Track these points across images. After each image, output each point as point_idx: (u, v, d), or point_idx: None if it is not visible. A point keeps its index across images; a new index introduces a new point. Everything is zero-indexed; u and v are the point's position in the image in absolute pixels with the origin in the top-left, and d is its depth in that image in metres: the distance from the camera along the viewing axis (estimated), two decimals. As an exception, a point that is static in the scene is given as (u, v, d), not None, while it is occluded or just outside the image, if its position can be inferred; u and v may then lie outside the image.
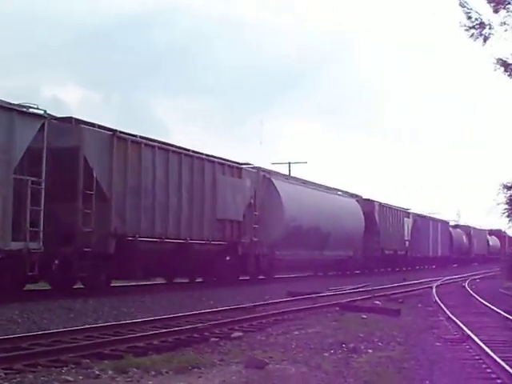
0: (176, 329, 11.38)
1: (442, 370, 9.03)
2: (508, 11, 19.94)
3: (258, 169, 27.69)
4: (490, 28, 20.39)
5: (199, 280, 25.47)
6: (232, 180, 24.93)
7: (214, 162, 23.82)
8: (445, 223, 62.79)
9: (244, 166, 26.24)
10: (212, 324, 12.20)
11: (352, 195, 39.85)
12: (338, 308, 16.73)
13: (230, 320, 12.88)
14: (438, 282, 28.84)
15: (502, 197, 26.40)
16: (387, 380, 8.40)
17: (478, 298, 20.66)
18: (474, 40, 20.80)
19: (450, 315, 15.10)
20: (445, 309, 16.66)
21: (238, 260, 25.12)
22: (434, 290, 24.12)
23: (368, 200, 40.85)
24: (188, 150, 22.30)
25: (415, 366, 9.30)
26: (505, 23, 20.17)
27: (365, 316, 15.03)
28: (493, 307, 17.15)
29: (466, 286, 27.84)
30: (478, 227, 76.69)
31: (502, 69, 20.93)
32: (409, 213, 48.78)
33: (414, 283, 28.66)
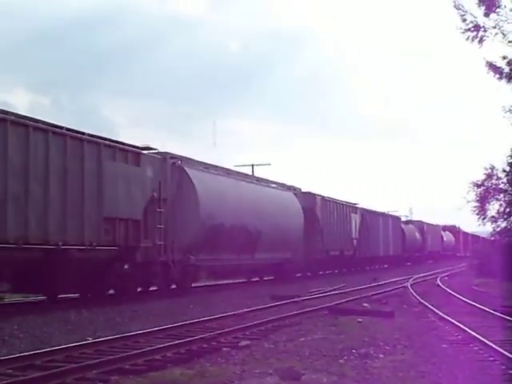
0: (186, 340, 11.27)
1: (463, 372, 9.18)
2: (498, 15, 20.30)
3: (166, 155, 22.45)
4: (484, 30, 20.70)
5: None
6: (126, 168, 19.69)
7: (99, 143, 18.60)
8: (396, 219, 58.98)
9: (145, 152, 21.35)
10: (218, 333, 12.14)
11: (289, 188, 33.93)
12: (326, 312, 16.79)
13: (233, 328, 12.82)
14: (409, 282, 29.13)
15: (473, 195, 27.00)
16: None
17: (459, 296, 21.02)
18: (471, 42, 21.14)
19: (443, 316, 15.34)
20: (434, 309, 16.91)
21: (136, 269, 20.26)
22: (409, 289, 24.42)
23: (308, 193, 35.48)
24: (61, 128, 17.53)
25: (434, 370, 9.44)
26: (495, 27, 20.53)
27: (360, 319, 15.15)
28: (481, 306, 17.46)
29: (440, 284, 28.29)
30: (431, 223, 72.75)
31: (491, 72, 21.31)
32: (356, 208, 43.88)
33: (385, 283, 29.00)
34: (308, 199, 34.69)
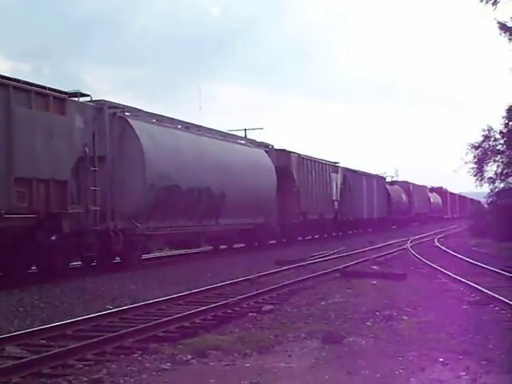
0: (210, 306, 11.30)
1: (492, 333, 9.29)
2: None
3: (103, 103, 18.79)
4: None
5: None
6: (47, 117, 16.01)
7: (7, 86, 14.88)
8: (381, 179, 54.83)
9: (74, 99, 17.75)
10: (240, 298, 12.20)
11: (260, 144, 30.10)
12: (338, 275, 16.90)
13: (252, 293, 12.89)
14: (407, 245, 29.33)
15: (471, 156, 27.22)
16: (450, 345, 8.54)
17: (461, 257, 21.26)
18: (485, 4, 20.96)
19: (454, 276, 15.54)
20: (442, 270, 17.10)
21: (65, 241, 16.43)
22: (410, 251, 24.63)
23: (282, 151, 31.74)
24: None
25: (462, 331, 9.51)
26: None
27: (374, 282, 15.27)
28: (488, 267, 17.68)
29: (439, 244, 28.57)
30: (417, 184, 68.62)
31: (503, 32, 21.19)
32: (337, 167, 40.11)
33: (383, 246, 29.23)
34: (282, 157, 31.15)
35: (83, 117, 17.64)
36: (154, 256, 23.25)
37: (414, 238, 35.73)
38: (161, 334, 9.33)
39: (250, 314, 11.13)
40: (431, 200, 72.63)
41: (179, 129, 23.22)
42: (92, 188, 17.56)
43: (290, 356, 7.81)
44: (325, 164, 37.40)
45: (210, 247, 27.87)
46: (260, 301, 12.58)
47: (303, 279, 15.57)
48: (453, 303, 12.30)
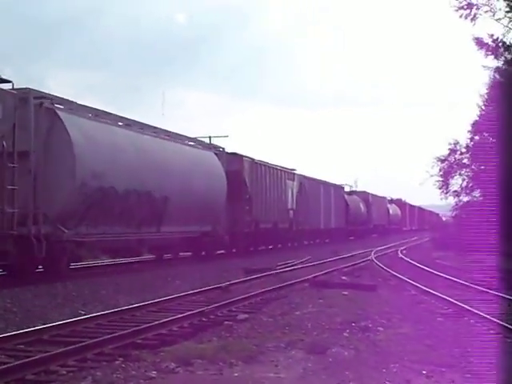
0: (186, 314, 11.25)
1: (472, 345, 9.39)
2: None
3: (28, 92, 16.88)
4: (477, 8, 20.95)
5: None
6: None
7: None
8: (339, 188, 53.36)
9: None
10: (215, 307, 12.15)
11: (210, 147, 28.17)
12: (307, 284, 16.96)
13: (228, 301, 12.86)
14: (371, 256, 29.52)
15: (437, 169, 27.66)
16: (431, 357, 8.61)
17: (427, 269, 21.52)
18: (464, 20, 21.38)
19: (424, 288, 15.73)
20: (411, 282, 17.28)
21: None
22: (375, 262, 24.82)
23: (234, 154, 29.69)
24: None
25: (441, 343, 9.60)
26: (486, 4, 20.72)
27: (345, 292, 15.34)
28: (454, 279, 17.91)
29: (403, 256, 28.85)
30: (377, 194, 67.48)
31: (479, 48, 21.61)
32: (293, 174, 38.21)
33: (348, 257, 29.43)
34: (234, 161, 28.95)
35: (0, 105, 15.67)
36: (119, 262, 23.07)
37: (376, 249, 35.70)
38: (139, 341, 9.25)
39: (226, 322, 11.11)
40: (390, 211, 72.25)
41: (118, 125, 21.16)
42: (9, 187, 15.56)
43: (276, 366, 7.79)
44: (280, 170, 35.64)
45: (153, 256, 26.06)
46: (233, 309, 12.57)
47: (274, 288, 15.56)
48: (426, 315, 12.41)
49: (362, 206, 59.25)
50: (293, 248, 37.28)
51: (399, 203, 78.32)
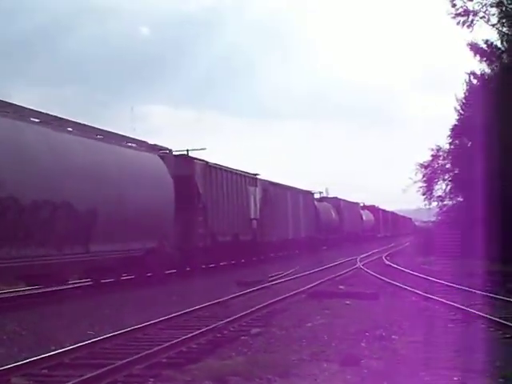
0: (201, 330, 11.22)
1: (494, 350, 9.52)
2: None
3: None
4: (474, 15, 21.24)
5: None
6: None
7: None
8: (308, 195, 49.05)
9: None
10: (226, 322, 12.15)
11: (152, 148, 23.83)
12: (304, 296, 17.04)
13: (237, 316, 12.87)
14: (358, 264, 29.62)
15: (420, 175, 28.00)
16: (456, 363, 8.71)
17: (418, 275, 21.75)
18: (462, 27, 21.64)
19: (424, 294, 15.90)
20: (408, 288, 17.46)
21: None
22: (365, 270, 24.97)
23: (183, 157, 25.95)
24: None
25: (463, 350, 9.69)
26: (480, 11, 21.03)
27: (348, 302, 15.42)
28: (450, 284, 18.12)
29: (392, 264, 29.05)
30: (348, 200, 63.69)
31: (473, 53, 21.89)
32: (256, 179, 34.36)
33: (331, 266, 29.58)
34: (183, 165, 25.00)
35: None
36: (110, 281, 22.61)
37: (349, 259, 34.85)
38: (164, 361, 9.21)
39: (242, 337, 11.12)
40: (364, 218, 69.49)
41: (29, 121, 17.10)
42: None
43: (316, 380, 7.84)
44: (240, 175, 31.75)
45: (89, 281, 21.44)
46: (243, 324, 12.56)
47: (275, 301, 15.56)
48: (436, 322, 12.55)
49: (333, 212, 55.89)
50: (259, 262, 33.67)
51: (372, 209, 76.05)
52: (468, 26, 21.62)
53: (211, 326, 11.67)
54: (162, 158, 23.53)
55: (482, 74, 29.94)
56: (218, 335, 11.32)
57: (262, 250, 34.67)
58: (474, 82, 30.50)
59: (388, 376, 8.04)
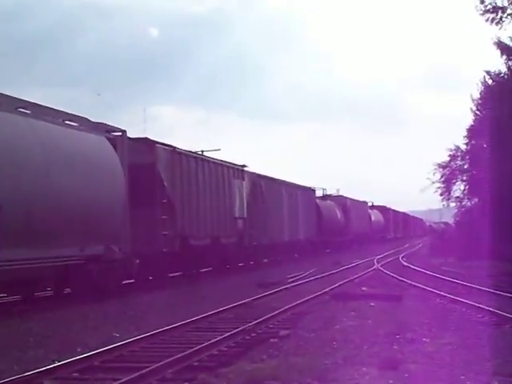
0: (230, 332, 11.05)
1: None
2: None
3: None
4: (503, 12, 21.00)
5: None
6: None
7: None
8: (309, 191, 43.88)
9: None
10: (253, 324, 11.97)
11: (97, 127, 18.52)
12: (328, 297, 16.87)
13: (264, 318, 12.68)
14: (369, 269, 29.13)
15: (438, 176, 27.80)
16: (493, 367, 8.52)
17: (439, 276, 21.57)
18: (490, 24, 21.41)
19: (449, 296, 15.75)
20: (431, 290, 17.30)
21: None
22: (383, 271, 24.78)
23: (143, 141, 21.13)
24: None
25: (499, 353, 9.45)
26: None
27: (372, 304, 15.24)
28: (473, 285, 17.95)
29: (409, 264, 28.77)
30: (356, 199, 59.20)
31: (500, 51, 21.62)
32: (243, 171, 29.23)
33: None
34: (141, 150, 20.41)
35: None
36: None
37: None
38: (196, 364, 9.04)
39: (272, 339, 10.93)
40: (372, 218, 64.57)
41: None
42: None
43: (359, 386, 7.66)
44: (222, 165, 26.60)
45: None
46: (270, 326, 12.38)
47: (299, 303, 15.38)
48: (464, 324, 12.33)
49: (338, 212, 50.56)
50: (247, 269, 28.97)
51: (382, 209, 71.71)
52: (497, 23, 21.42)
53: (241, 328, 11.49)
54: (112, 141, 18.77)
55: (498, 74, 29.72)
56: (247, 337, 11.12)
57: (250, 255, 29.83)
58: (490, 82, 30.36)
59: (428, 380, 7.87)
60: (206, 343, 10.00)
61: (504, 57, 22.18)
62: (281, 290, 19.26)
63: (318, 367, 8.58)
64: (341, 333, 11.56)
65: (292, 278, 23.77)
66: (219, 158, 26.81)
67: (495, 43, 22.59)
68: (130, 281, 20.17)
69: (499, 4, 21.24)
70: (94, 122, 18.42)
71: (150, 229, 20.21)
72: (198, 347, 9.70)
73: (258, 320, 12.40)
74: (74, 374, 8.57)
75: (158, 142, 21.55)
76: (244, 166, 29.38)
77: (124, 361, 9.37)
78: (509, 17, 21.11)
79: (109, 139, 18.65)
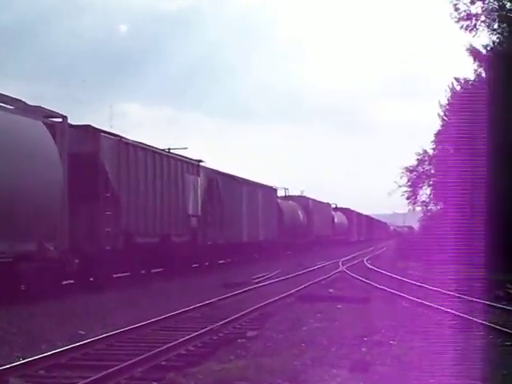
0: (198, 332, 10.98)
1: (501, 359, 9.40)
2: (484, 3, 20.79)
3: None
4: (476, 19, 21.24)
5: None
6: None
7: None
8: (270, 190, 42.27)
9: None
10: (220, 324, 11.92)
11: (35, 110, 17.21)
12: (294, 298, 16.90)
13: (232, 318, 12.63)
14: (334, 271, 29.26)
15: (405, 179, 28.01)
16: (463, 371, 8.57)
17: (406, 280, 21.76)
18: (465, 31, 21.65)
19: (416, 300, 15.86)
20: (397, 293, 17.42)
21: None
22: (349, 274, 24.88)
23: (84, 128, 19.54)
24: None
25: (461, 356, 9.51)
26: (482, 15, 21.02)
27: (339, 306, 15.28)
28: (439, 289, 18.13)
29: (374, 267, 28.89)
30: (319, 200, 57.93)
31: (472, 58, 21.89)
32: (198, 167, 27.79)
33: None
34: (83, 138, 19.09)
35: None
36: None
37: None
38: (163, 363, 8.97)
39: (239, 340, 10.89)
40: (335, 220, 64.02)
41: None
42: None
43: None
44: (175, 159, 25.38)
45: None
46: (237, 326, 12.35)
47: (266, 304, 15.34)
48: (433, 328, 12.38)
49: (300, 213, 49.53)
50: (208, 270, 27.96)
51: (346, 211, 71.54)
52: (471, 31, 21.67)
53: (208, 328, 11.42)
54: (50, 127, 17.40)
55: (466, 80, 30.13)
56: (215, 337, 11.07)
57: (204, 256, 28.36)
58: (458, 88, 30.74)
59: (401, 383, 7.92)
60: (174, 342, 9.93)
61: (476, 63, 22.51)
62: (247, 290, 19.24)
63: (288, 368, 8.56)
64: (308, 334, 11.59)
65: (257, 278, 23.70)
66: (188, 156, 26.61)
67: (468, 50, 22.93)
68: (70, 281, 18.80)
69: (473, 11, 21.54)
70: (31, 106, 17.12)
71: (91, 225, 18.99)
72: (165, 346, 9.63)
73: (225, 320, 12.36)
74: (41, 372, 8.44)
75: (102, 131, 20.14)
76: (200, 161, 28.20)
77: (91, 359, 9.25)
78: (482, 24, 21.43)
79: (47, 125, 17.24)
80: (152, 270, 24.18)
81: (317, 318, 13.60)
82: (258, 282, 22.35)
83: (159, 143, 25.10)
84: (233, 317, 12.92)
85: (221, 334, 11.37)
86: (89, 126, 19.77)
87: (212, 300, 15.77)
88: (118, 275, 21.29)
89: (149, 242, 22.20)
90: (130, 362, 8.49)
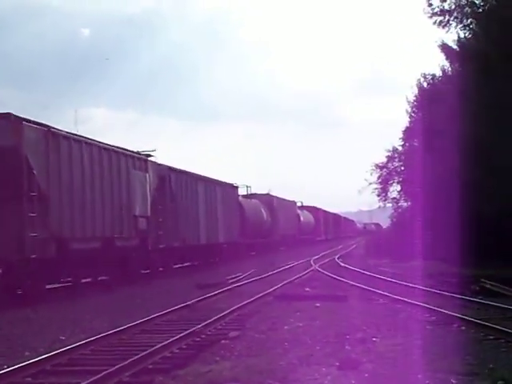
0: (181, 334, 10.96)
1: (482, 352, 9.55)
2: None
3: None
4: (450, 15, 21.42)
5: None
6: None
7: None
8: (230, 188, 39.61)
9: None
10: (202, 326, 11.91)
11: None
12: (271, 298, 16.94)
13: (212, 320, 12.62)
14: (307, 270, 29.29)
15: (375, 177, 28.20)
16: (447, 366, 8.69)
17: (380, 277, 21.95)
18: (438, 27, 21.84)
19: (394, 297, 16.00)
20: (374, 290, 17.54)
21: None
22: (322, 272, 25.00)
23: (4, 118, 17.04)
24: None
25: (450, 352, 9.63)
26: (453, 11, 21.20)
27: (317, 304, 15.35)
28: (415, 285, 18.30)
29: (346, 265, 29.05)
30: (284, 198, 56.07)
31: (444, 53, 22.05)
32: (147, 162, 25.19)
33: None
34: (3, 129, 16.92)
35: None
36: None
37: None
38: (150, 367, 8.94)
39: (223, 341, 10.91)
40: (301, 219, 61.89)
41: None
42: None
43: (321, 386, 7.70)
44: (118, 153, 22.54)
45: None
46: (219, 327, 12.35)
47: (244, 304, 15.34)
48: (413, 324, 12.51)
49: (264, 212, 47.23)
50: (153, 277, 24.66)
51: (312, 209, 69.34)
52: (443, 26, 21.92)
53: (190, 330, 11.41)
54: None
55: (433, 77, 30.45)
56: (198, 339, 11.06)
57: (156, 260, 25.64)
58: (425, 84, 31.05)
59: (390, 381, 7.99)
60: (158, 346, 9.90)
61: (448, 60, 22.73)
62: (223, 291, 19.24)
63: (276, 368, 8.59)
64: (291, 333, 11.65)
65: (231, 279, 23.66)
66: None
67: (440, 46, 23.19)
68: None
69: (446, 7, 21.78)
70: None
71: (13, 229, 16.57)
72: (150, 350, 9.60)
73: (206, 322, 12.34)
74: (27, 379, 8.37)
75: (25, 120, 17.50)
76: (148, 155, 25.47)
77: (77, 364, 9.19)
78: (455, 20, 21.69)
79: None
80: (99, 278, 21.68)
81: (296, 316, 13.65)
82: (232, 283, 22.30)
83: (127, 147, 23.83)
84: (213, 318, 12.91)
85: (203, 336, 11.35)
86: (9, 114, 17.13)
87: (189, 302, 15.75)
88: (54, 286, 19.23)
89: (88, 247, 19.78)
90: (117, 366, 8.45)
